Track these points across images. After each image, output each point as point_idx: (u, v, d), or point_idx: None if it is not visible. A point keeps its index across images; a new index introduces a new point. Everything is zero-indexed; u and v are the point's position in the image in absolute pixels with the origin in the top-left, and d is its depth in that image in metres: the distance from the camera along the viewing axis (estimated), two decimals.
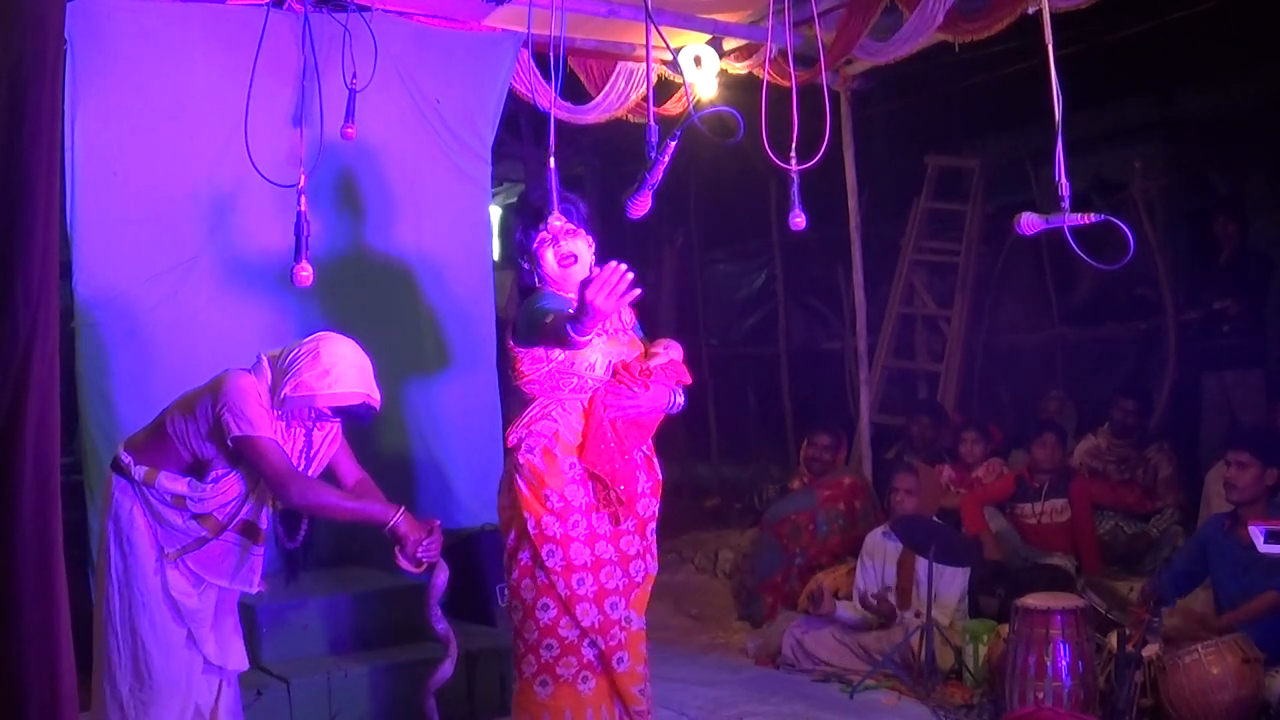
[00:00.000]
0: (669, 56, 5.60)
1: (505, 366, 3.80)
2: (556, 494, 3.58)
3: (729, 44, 6.10)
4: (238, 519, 3.37)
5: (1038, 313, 8.85)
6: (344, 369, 3.30)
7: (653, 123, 3.10)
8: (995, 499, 6.09)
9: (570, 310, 3.20)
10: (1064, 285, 8.65)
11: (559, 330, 3.23)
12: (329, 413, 3.35)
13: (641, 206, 3.25)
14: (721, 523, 8.31)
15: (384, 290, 5.30)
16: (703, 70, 5.91)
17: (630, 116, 6.22)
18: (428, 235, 5.44)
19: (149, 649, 3.33)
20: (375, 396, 3.38)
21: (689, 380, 3.73)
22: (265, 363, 3.37)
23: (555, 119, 3.35)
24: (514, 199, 13.74)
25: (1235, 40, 7.38)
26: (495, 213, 6.07)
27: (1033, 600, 4.54)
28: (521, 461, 3.62)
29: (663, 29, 3.37)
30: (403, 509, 3.38)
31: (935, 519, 5.47)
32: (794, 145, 3.28)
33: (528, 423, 3.63)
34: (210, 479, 3.32)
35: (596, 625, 3.59)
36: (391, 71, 5.16)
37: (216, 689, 3.48)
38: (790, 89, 3.28)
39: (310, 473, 3.43)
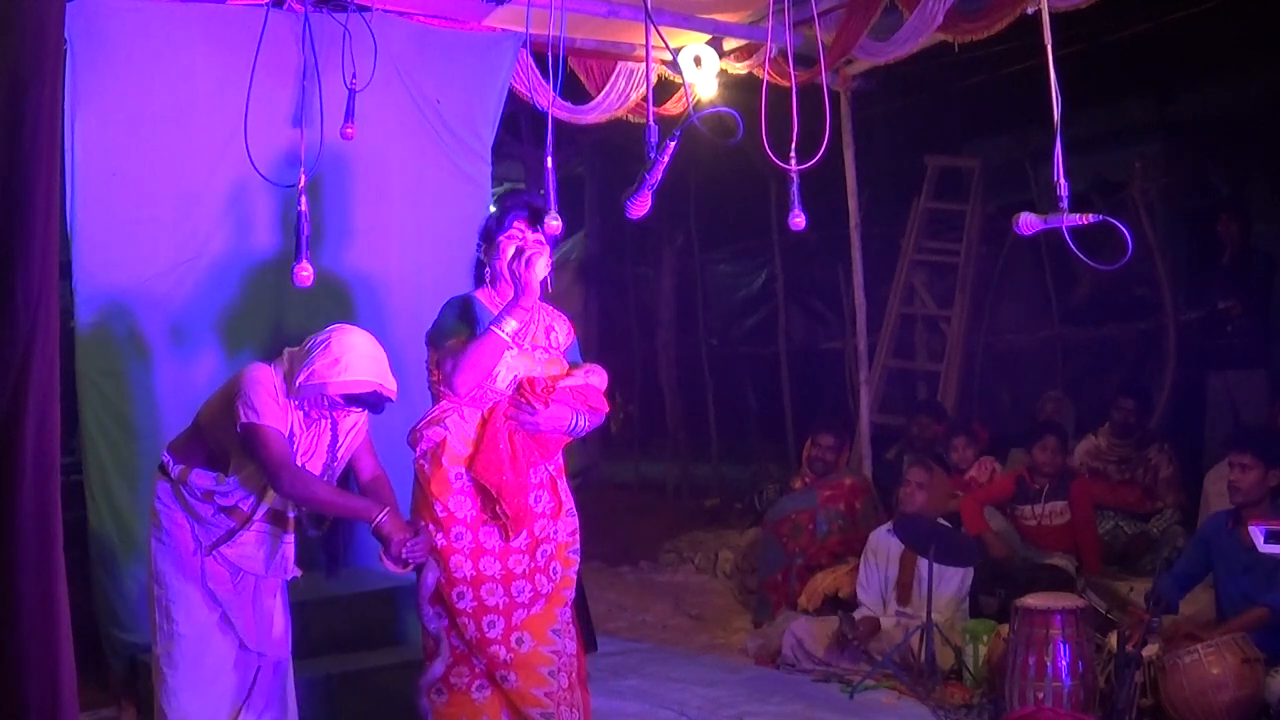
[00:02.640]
0: (669, 56, 5.60)
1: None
2: (440, 504, 3.51)
3: (729, 44, 6.10)
4: (262, 508, 3.47)
5: (1038, 313, 8.84)
6: (355, 358, 3.38)
7: (653, 123, 3.10)
8: (996, 500, 6.07)
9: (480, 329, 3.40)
10: (1064, 285, 8.64)
11: (469, 340, 3.39)
12: (341, 401, 3.41)
13: (641, 206, 3.24)
14: (721, 523, 8.31)
15: (384, 291, 5.29)
16: (703, 70, 5.91)
17: (630, 116, 6.22)
18: (428, 235, 5.44)
19: (182, 635, 3.46)
20: (388, 385, 3.44)
21: (604, 409, 3.64)
22: (286, 355, 3.49)
23: (555, 119, 3.35)
24: None
25: (1235, 40, 7.38)
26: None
27: (1033, 600, 4.54)
28: (416, 466, 3.60)
29: (663, 29, 3.38)
30: (388, 508, 3.42)
31: (940, 520, 5.47)
32: (794, 145, 3.27)
33: (421, 427, 3.57)
34: (232, 471, 3.44)
35: (474, 641, 3.49)
36: (391, 71, 5.16)
37: (253, 673, 3.57)
38: (790, 89, 3.27)
39: (336, 464, 3.54)
